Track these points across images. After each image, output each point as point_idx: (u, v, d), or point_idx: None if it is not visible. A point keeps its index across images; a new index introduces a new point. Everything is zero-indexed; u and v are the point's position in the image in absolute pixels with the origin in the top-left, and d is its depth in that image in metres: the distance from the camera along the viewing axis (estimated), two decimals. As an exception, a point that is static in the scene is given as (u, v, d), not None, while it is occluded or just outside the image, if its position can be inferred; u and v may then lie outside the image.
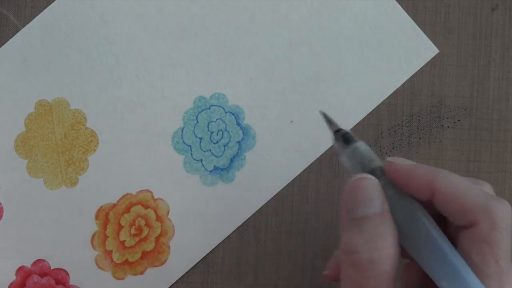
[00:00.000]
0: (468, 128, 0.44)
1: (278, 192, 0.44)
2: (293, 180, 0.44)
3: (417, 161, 0.43)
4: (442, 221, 0.32)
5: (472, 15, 0.44)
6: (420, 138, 0.44)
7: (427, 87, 0.44)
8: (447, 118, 0.44)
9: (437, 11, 0.44)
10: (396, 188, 0.32)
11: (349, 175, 0.33)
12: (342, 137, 0.36)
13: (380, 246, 0.30)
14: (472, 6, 0.44)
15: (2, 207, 0.43)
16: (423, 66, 0.44)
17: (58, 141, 0.43)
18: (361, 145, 0.35)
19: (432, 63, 0.44)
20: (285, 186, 0.44)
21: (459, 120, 0.44)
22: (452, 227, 0.32)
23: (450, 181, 0.32)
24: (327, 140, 0.43)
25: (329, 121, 0.38)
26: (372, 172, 0.33)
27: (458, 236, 0.31)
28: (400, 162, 0.33)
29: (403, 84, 0.44)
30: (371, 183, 0.32)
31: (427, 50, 0.44)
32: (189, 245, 0.43)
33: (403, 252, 0.31)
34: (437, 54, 0.44)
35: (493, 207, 0.31)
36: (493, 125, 0.44)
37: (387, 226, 0.31)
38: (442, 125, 0.44)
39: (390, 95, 0.44)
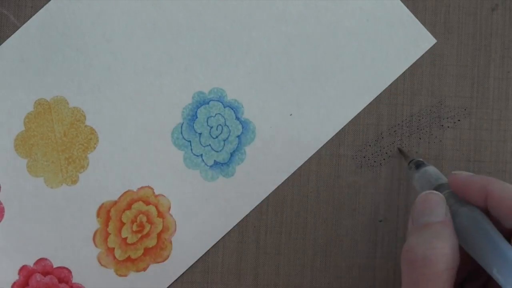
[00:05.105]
0: (468, 128, 0.44)
1: (278, 192, 0.44)
2: (293, 180, 0.44)
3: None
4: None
5: (472, 15, 0.44)
6: (420, 138, 0.44)
7: (427, 87, 0.44)
8: (447, 118, 0.44)
9: (437, 11, 0.44)
10: (458, 198, 0.35)
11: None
12: (414, 164, 0.41)
13: (435, 246, 0.32)
14: (472, 6, 0.44)
15: (3, 207, 0.43)
16: (423, 67, 0.44)
17: (57, 140, 0.43)
18: (430, 168, 0.39)
19: (432, 63, 0.44)
20: (285, 186, 0.44)
21: (459, 120, 0.44)
22: (505, 231, 0.33)
23: (502, 187, 0.34)
24: (326, 132, 0.44)
25: (404, 155, 0.43)
26: (438, 187, 0.37)
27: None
28: (460, 173, 0.36)
29: (403, 84, 0.44)
30: (435, 196, 0.35)
31: (425, 40, 0.44)
32: (191, 240, 0.44)
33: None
34: (437, 55, 0.44)
35: None
36: (493, 125, 0.44)
37: (445, 231, 0.33)
38: (442, 125, 0.44)
39: (390, 95, 0.44)
